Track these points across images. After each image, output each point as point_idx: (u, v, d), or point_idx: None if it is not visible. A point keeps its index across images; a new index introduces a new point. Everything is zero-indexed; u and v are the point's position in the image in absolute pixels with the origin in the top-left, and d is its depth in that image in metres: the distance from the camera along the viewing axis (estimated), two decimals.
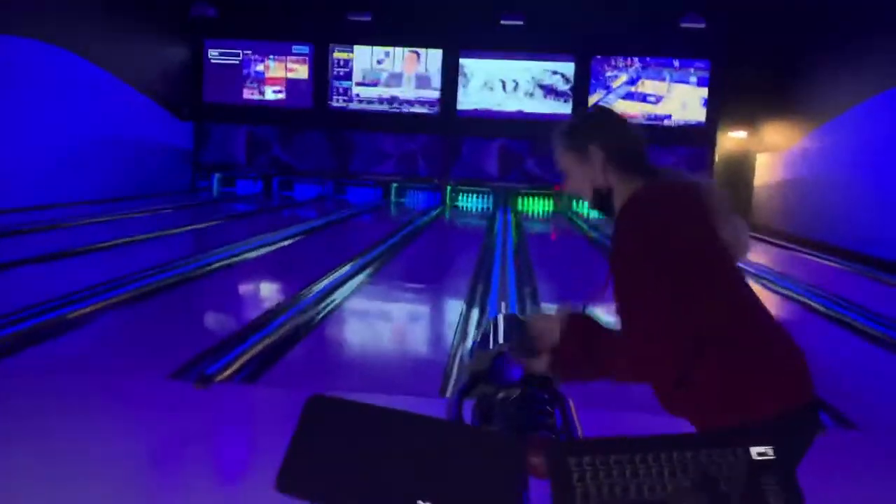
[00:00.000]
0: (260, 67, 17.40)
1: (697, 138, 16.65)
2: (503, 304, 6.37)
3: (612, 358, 1.69)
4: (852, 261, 10.57)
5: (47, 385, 3.73)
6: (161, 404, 3.59)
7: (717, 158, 16.81)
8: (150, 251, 8.57)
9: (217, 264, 7.66)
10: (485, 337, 2.70)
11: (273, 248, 9.27)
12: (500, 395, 2.45)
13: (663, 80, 16.78)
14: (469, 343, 5.06)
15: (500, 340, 2.59)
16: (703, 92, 16.62)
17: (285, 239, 10.02)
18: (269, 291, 7.16)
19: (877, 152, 11.13)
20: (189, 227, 10.95)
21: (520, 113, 17.01)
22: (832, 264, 10.20)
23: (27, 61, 11.20)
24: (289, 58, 17.34)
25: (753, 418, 1.48)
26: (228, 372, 4.08)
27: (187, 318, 5.63)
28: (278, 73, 17.38)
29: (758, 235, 11.96)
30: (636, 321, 1.56)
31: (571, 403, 2.29)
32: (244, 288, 7.27)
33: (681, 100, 16.72)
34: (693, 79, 16.67)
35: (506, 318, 2.88)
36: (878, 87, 11.08)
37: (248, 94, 17.49)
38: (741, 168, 16.89)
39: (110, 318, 5.36)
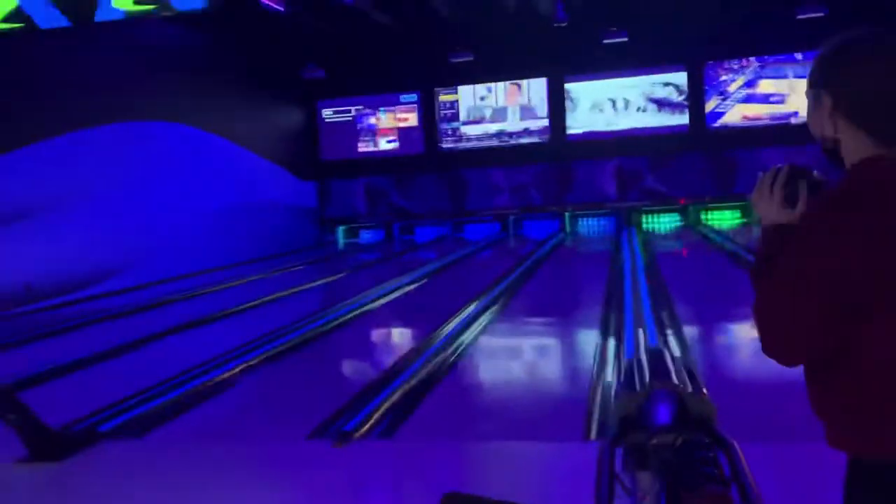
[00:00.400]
0: (372, 120, 17.95)
1: None
2: (640, 331, 6.03)
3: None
4: None
5: (193, 455, 3.82)
6: (302, 466, 3.58)
7: None
8: (283, 309, 8.86)
9: (347, 316, 7.79)
10: (629, 376, 2.50)
11: (399, 293, 9.35)
12: (654, 441, 2.24)
13: (786, 76, 15.82)
14: (608, 379, 4.79)
15: (647, 379, 2.38)
16: None
17: (411, 283, 10.09)
18: (399, 339, 7.18)
19: None
20: (318, 282, 11.29)
21: (633, 130, 16.52)
22: None
23: (157, 140, 12.10)
24: (398, 108, 17.80)
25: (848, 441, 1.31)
26: (366, 427, 4.04)
27: (322, 374, 5.70)
28: (389, 124, 17.87)
29: None
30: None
31: (738, 447, 2.04)
32: (375, 338, 7.33)
33: (804, 95, 15.65)
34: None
35: (650, 355, 2.67)
36: None
37: (363, 147, 18.06)
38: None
39: (249, 380, 5.50)
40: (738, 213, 16.39)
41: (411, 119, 17.73)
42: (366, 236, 18.24)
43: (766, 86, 15.94)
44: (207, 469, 3.62)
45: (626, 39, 14.94)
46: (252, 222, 14.76)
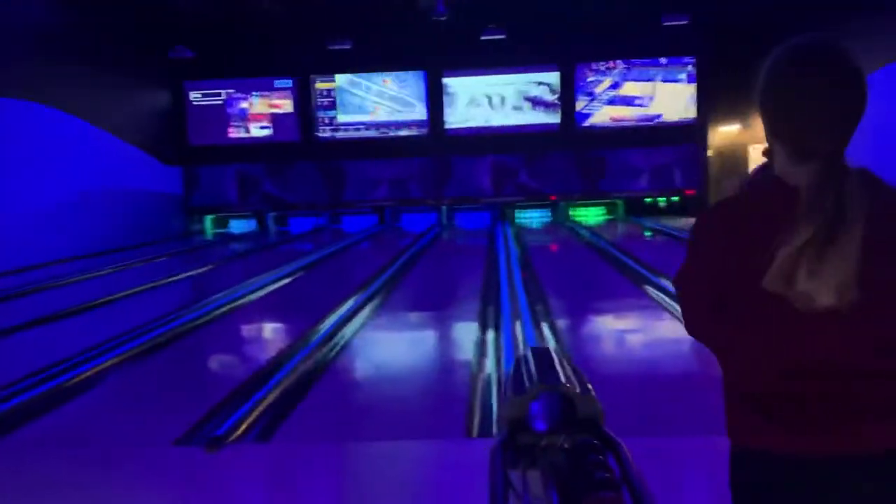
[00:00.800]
0: (244, 105, 17.26)
1: (689, 135, 16.51)
2: (517, 324, 6.13)
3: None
4: None
5: (43, 463, 3.49)
6: (169, 473, 3.35)
7: (710, 153, 16.67)
8: (146, 304, 8.33)
9: (218, 311, 7.43)
10: (517, 377, 2.48)
11: (274, 287, 9.04)
12: (544, 442, 2.23)
13: (650, 80, 16.67)
14: (488, 373, 4.82)
15: (535, 379, 2.37)
16: (692, 89, 16.51)
17: (285, 277, 9.79)
18: (274, 335, 6.92)
19: (868, 132, 10.97)
20: (185, 275, 10.71)
21: (508, 127, 16.87)
22: None
23: (9, 121, 11.04)
24: (272, 93, 17.21)
25: (738, 429, 1.42)
26: (240, 430, 3.84)
27: (192, 373, 5.38)
28: (262, 109, 17.25)
29: None
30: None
31: (625, 448, 2.06)
32: (248, 334, 7.03)
33: (670, 98, 16.60)
34: (681, 76, 16.56)
35: (536, 354, 2.66)
36: (868, 69, 10.96)
37: (234, 132, 17.34)
38: (735, 161, 16.74)
39: (111, 380, 5.11)
40: (603, 210, 17.17)
41: (286, 105, 17.20)
42: (237, 226, 17.56)
43: (631, 88, 16.72)
44: (64, 475, 3.30)
45: (504, 37, 15.19)
46: (112, 210, 13.81)
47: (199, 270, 11.29)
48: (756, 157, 16.24)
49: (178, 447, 3.62)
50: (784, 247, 1.22)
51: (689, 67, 16.46)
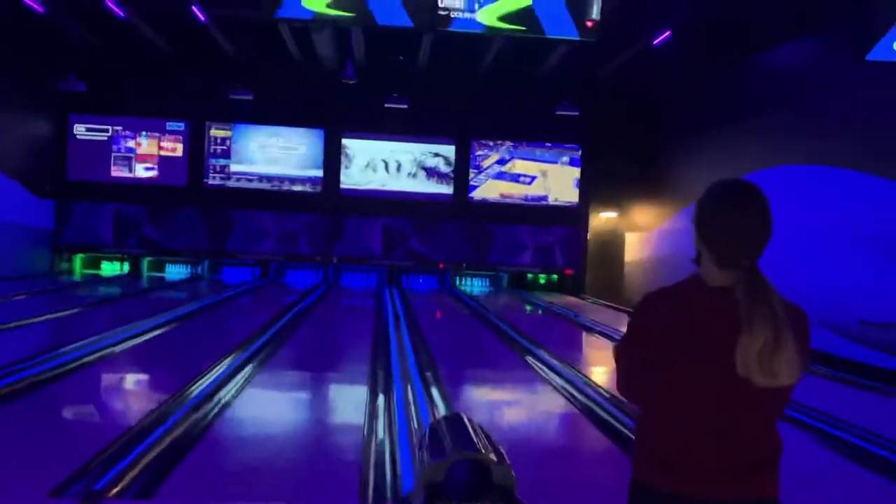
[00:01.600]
0: (131, 144, 16.62)
1: (571, 218, 17.39)
2: (409, 387, 6.14)
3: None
4: None
5: None
6: None
7: (590, 237, 17.59)
8: (4, 345, 7.69)
9: (86, 359, 6.96)
10: (434, 441, 2.51)
11: (148, 336, 8.58)
12: None
13: (535, 160, 17.49)
14: (380, 437, 4.78)
15: (452, 446, 2.41)
16: (576, 174, 17.47)
17: (160, 326, 9.32)
18: (147, 390, 6.54)
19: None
20: (49, 316, 9.99)
21: (403, 193, 17.14)
22: None
23: None
24: (163, 135, 16.70)
25: (646, 469, 1.79)
26: (118, 488, 3.60)
27: (55, 427, 4.99)
28: (151, 150, 16.67)
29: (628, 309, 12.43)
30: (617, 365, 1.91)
31: None
32: (119, 386, 6.62)
33: (556, 181, 17.47)
34: (565, 160, 17.49)
35: (450, 421, 2.70)
36: (734, 173, 12.04)
37: (117, 171, 16.60)
38: (612, 246, 17.77)
39: None
40: (487, 281, 17.63)
41: (176, 149, 16.71)
42: (109, 268, 16.63)
43: (519, 167, 17.49)
44: None
45: (406, 107, 15.59)
46: None
47: (64, 313, 10.56)
48: (630, 242, 17.34)
49: (52, 500, 3.35)
50: (748, 343, 1.61)
51: (575, 154, 17.46)
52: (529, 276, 17.65)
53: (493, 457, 2.33)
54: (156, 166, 16.64)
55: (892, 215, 8.38)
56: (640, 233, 16.79)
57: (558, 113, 15.82)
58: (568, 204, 17.46)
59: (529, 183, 17.44)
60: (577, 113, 15.79)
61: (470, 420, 2.70)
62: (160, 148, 16.67)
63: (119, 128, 16.55)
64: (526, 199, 17.42)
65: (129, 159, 16.59)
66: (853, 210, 9.08)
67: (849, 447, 5.19)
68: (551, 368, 7.51)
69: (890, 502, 4.19)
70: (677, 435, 1.72)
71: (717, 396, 1.67)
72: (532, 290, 17.34)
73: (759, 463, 1.71)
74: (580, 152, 17.40)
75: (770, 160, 10.93)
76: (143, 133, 16.62)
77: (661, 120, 15.45)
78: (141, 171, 16.63)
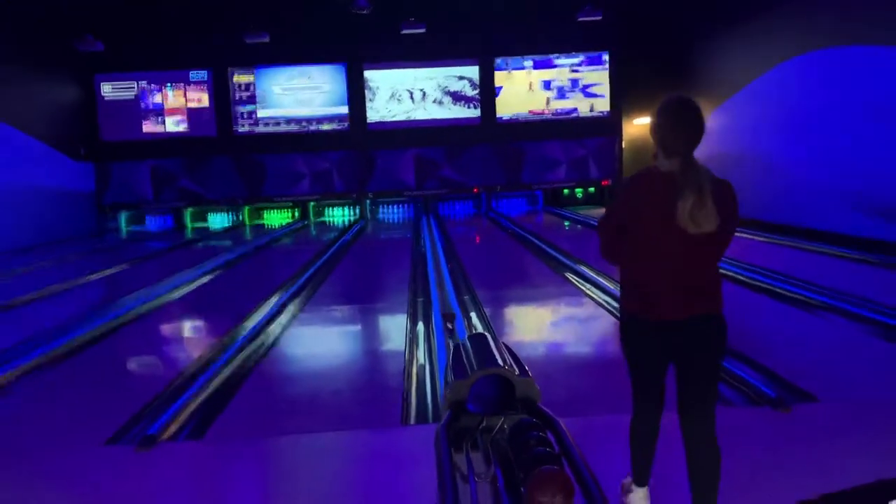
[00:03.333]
0: (158, 98, 16.72)
1: (604, 128, 17.01)
2: (447, 316, 6.22)
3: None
4: (760, 229, 10.99)
5: None
6: (102, 474, 3.28)
7: (624, 145, 17.23)
8: (61, 305, 8.01)
9: (138, 310, 7.22)
10: (457, 362, 2.56)
11: (195, 284, 8.84)
12: (484, 424, 2.32)
13: (565, 74, 17.06)
14: (421, 362, 4.90)
15: (475, 364, 2.46)
16: (606, 83, 16.99)
17: (206, 274, 9.59)
18: (198, 335, 6.78)
19: (773, 123, 11.63)
20: (99, 274, 10.33)
21: (430, 121, 16.96)
22: (746, 236, 10.55)
23: None
24: (188, 86, 16.74)
25: (627, 307, 2.55)
26: (172, 429, 3.78)
27: (115, 376, 5.23)
28: (178, 103, 16.76)
29: None
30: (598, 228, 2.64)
31: (563, 424, 2.17)
32: (170, 334, 6.86)
33: (584, 92, 17.04)
34: (594, 70, 17.02)
35: (474, 340, 2.75)
36: (770, 63, 11.57)
37: (149, 127, 16.77)
38: (649, 152, 17.33)
39: (28, 385, 4.91)
40: (523, 201, 17.52)
41: (202, 99, 16.77)
42: (154, 223, 17.01)
43: (544, 79, 17.06)
44: None
45: (423, 31, 15.24)
46: (19, 208, 13.15)
47: (116, 269, 10.91)
48: None
49: (109, 447, 3.54)
50: (682, 204, 2.33)
51: (604, 61, 16.95)
52: (565, 191, 17.47)
53: (515, 371, 2.38)
54: (185, 119, 16.75)
55: None
56: None
57: (580, 19, 15.27)
58: (599, 114, 17.06)
59: (561, 98, 17.05)
60: (599, 17, 15.20)
61: (494, 338, 2.75)
62: (187, 99, 16.74)
63: (144, 83, 16.63)
64: (556, 113, 17.08)
65: (159, 113, 16.73)
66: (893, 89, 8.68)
67: None
68: (591, 283, 7.51)
69: None
70: (645, 276, 2.46)
71: (667, 244, 2.39)
72: (569, 205, 17.19)
73: (702, 289, 2.43)
74: (608, 58, 16.88)
75: (806, 45, 10.44)
76: (169, 85, 16.69)
77: (690, 14, 14.79)
78: (171, 125, 16.77)
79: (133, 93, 16.65)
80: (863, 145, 9.35)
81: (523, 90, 17.04)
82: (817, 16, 10.23)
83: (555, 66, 17.01)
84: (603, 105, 17.04)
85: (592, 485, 1.81)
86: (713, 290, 2.45)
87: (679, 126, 2.39)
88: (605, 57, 16.89)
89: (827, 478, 2.90)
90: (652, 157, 2.50)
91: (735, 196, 2.43)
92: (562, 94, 17.07)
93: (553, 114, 17.08)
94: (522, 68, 17.02)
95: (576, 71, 17.02)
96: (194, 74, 16.68)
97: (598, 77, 17.01)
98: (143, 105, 16.70)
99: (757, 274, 7.55)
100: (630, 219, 2.43)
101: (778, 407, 3.65)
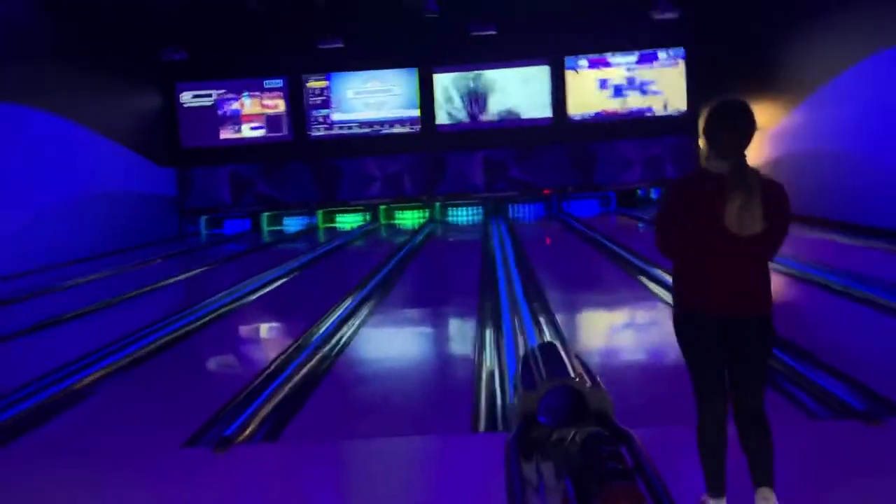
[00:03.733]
0: (235, 106, 17.26)
1: (681, 127, 16.58)
2: (516, 319, 6.17)
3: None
4: (851, 233, 10.47)
5: (49, 471, 3.51)
6: (180, 476, 3.38)
7: (700, 144, 16.74)
8: (143, 307, 8.34)
9: (216, 313, 7.44)
10: (527, 372, 2.52)
11: (271, 287, 9.06)
12: (555, 436, 2.28)
13: (642, 71, 16.72)
14: (490, 368, 4.86)
15: (545, 375, 2.42)
16: (683, 81, 16.57)
17: (282, 276, 9.81)
18: (274, 336, 6.94)
19: (860, 121, 11.06)
20: (181, 276, 10.72)
21: (500, 122, 16.91)
22: (831, 238, 10.07)
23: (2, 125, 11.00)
24: (264, 93, 17.21)
25: (680, 302, 2.58)
26: (248, 431, 3.87)
27: (193, 377, 5.40)
28: (254, 110, 17.25)
29: None
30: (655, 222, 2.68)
31: (637, 438, 2.11)
32: (247, 336, 7.05)
33: (661, 90, 16.66)
34: (671, 68, 16.62)
35: (544, 349, 2.71)
36: (852, 59, 11.01)
37: (226, 133, 17.33)
38: None
39: (111, 386, 5.12)
40: (596, 202, 17.23)
41: (278, 105, 17.21)
42: (231, 226, 17.55)
43: (621, 80, 16.76)
44: (73, 485, 3.32)
45: (493, 32, 15.21)
46: (105, 213, 13.78)
47: (196, 272, 11.29)
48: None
49: (186, 449, 3.65)
50: (729, 206, 2.37)
51: (680, 59, 16.53)
52: (639, 191, 17.10)
53: (586, 383, 2.32)
54: (262, 125, 17.23)
55: None
56: (757, 133, 15.78)
57: (655, 17, 14.92)
58: (676, 113, 16.65)
59: (636, 96, 16.71)
60: (675, 15, 14.82)
61: (564, 347, 2.69)
62: (263, 106, 17.21)
63: (222, 91, 17.19)
64: (629, 112, 16.75)
65: (236, 120, 17.25)
66: None
67: None
68: (665, 286, 7.31)
69: None
70: (698, 273, 2.50)
71: (716, 245, 2.43)
72: (644, 205, 16.82)
73: (750, 290, 2.48)
74: (685, 56, 16.45)
75: (891, 41, 9.89)
76: (245, 93, 17.19)
77: (767, 10, 14.25)
78: (248, 131, 17.27)
79: (211, 101, 17.22)
80: None
81: (594, 89, 16.78)
82: None
83: (628, 64, 16.69)
84: (679, 103, 16.62)
85: (667, 502, 1.74)
86: (762, 290, 2.49)
87: (730, 128, 2.43)
88: (682, 54, 16.46)
89: None
90: (704, 158, 2.55)
91: (786, 197, 2.47)
92: (635, 91, 16.73)
93: (627, 113, 16.76)
94: (594, 66, 16.77)
95: (649, 68, 16.66)
96: (269, 82, 17.14)
97: (674, 75, 16.60)
98: (220, 112, 17.25)
99: (846, 279, 7.18)
100: (681, 218, 2.49)
101: (868, 420, 3.45)
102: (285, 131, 17.20)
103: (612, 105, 16.77)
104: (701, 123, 2.53)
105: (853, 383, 4.07)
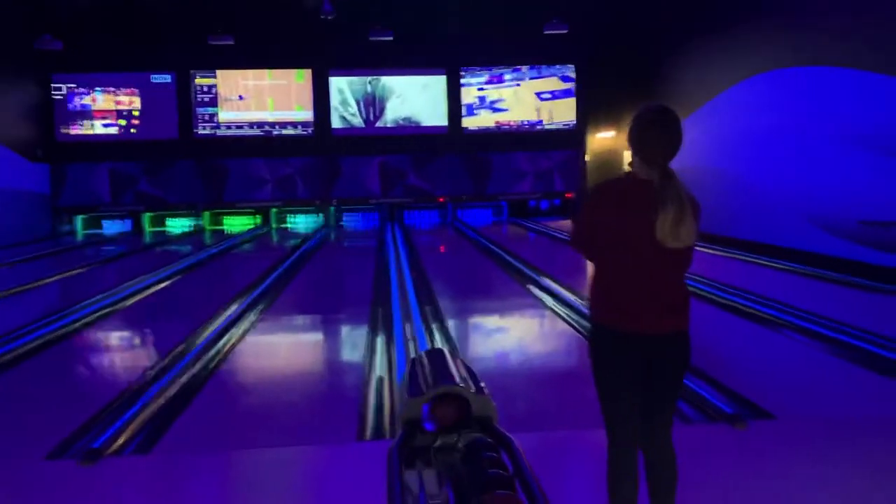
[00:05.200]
0: (120, 99, 16.38)
1: (569, 141, 17.14)
2: (407, 326, 6.16)
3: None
4: (723, 245, 11.14)
5: None
6: (41, 490, 3.13)
7: (588, 158, 17.38)
8: (10, 310, 7.74)
9: (91, 317, 7.01)
10: (413, 378, 2.49)
11: (152, 290, 8.63)
12: (438, 443, 2.26)
13: (528, 84, 17.15)
14: (380, 375, 4.81)
15: (430, 381, 2.39)
16: (571, 95, 17.13)
17: (164, 280, 9.37)
18: (152, 343, 6.60)
19: (735, 139, 11.81)
20: (53, 278, 10.04)
21: (397, 129, 16.90)
22: (707, 251, 10.68)
23: None
24: (149, 88, 16.43)
25: (598, 314, 2.44)
26: (119, 442, 3.64)
27: (64, 384, 5.05)
28: (138, 105, 16.43)
29: None
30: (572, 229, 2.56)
31: (518, 444, 2.12)
32: (126, 341, 6.67)
33: (551, 105, 17.16)
34: (560, 84, 17.15)
35: (431, 355, 2.68)
36: (731, 80, 11.76)
37: (107, 128, 16.41)
38: (612, 166, 17.53)
39: None
40: (489, 212, 17.55)
41: (164, 101, 16.46)
42: (110, 227, 16.63)
43: (512, 94, 17.15)
44: None
45: (391, 38, 15.20)
46: None
47: (70, 274, 10.61)
48: (630, 160, 17.09)
49: (49, 461, 3.39)
50: (662, 216, 2.26)
51: (570, 75, 17.09)
52: (530, 202, 17.56)
53: (471, 389, 2.32)
54: (146, 121, 16.43)
55: (892, 113, 8.18)
56: None
57: (546, 32, 15.38)
58: (565, 126, 17.19)
59: (526, 110, 17.13)
60: (565, 31, 15.32)
61: (451, 353, 2.68)
62: (147, 101, 16.43)
63: (103, 84, 16.29)
64: (522, 125, 17.16)
65: (118, 115, 16.37)
66: (853, 110, 8.86)
67: (850, 349, 5.20)
68: (554, 295, 7.51)
69: (886, 396, 4.20)
70: (617, 285, 2.37)
71: (641, 255, 2.32)
72: (534, 216, 17.27)
73: (674, 303, 2.37)
74: (574, 72, 17.02)
75: (770, 63, 10.62)
76: (129, 88, 16.36)
77: (656, 29, 14.99)
78: (130, 127, 16.42)
79: (92, 94, 16.27)
80: (820, 164, 9.53)
81: (490, 101, 17.08)
82: (783, 34, 10.42)
83: (520, 79, 17.10)
84: (568, 118, 17.17)
85: None
86: (683, 305, 2.39)
87: (658, 135, 2.32)
88: (571, 70, 17.03)
89: (779, 494, 2.90)
90: (628, 165, 2.43)
91: (699, 212, 2.40)
92: (527, 106, 17.15)
93: (519, 125, 17.15)
94: (488, 79, 17.07)
95: (541, 84, 17.12)
96: (156, 77, 16.38)
97: (563, 90, 17.13)
98: (102, 106, 16.33)
99: (719, 290, 7.62)
100: (603, 226, 2.35)
101: (735, 423, 3.65)
102: (171, 128, 16.46)
103: (506, 117, 17.12)
104: (628, 129, 2.40)
105: (721, 388, 4.30)
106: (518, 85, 17.08)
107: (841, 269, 8.67)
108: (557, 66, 17.01)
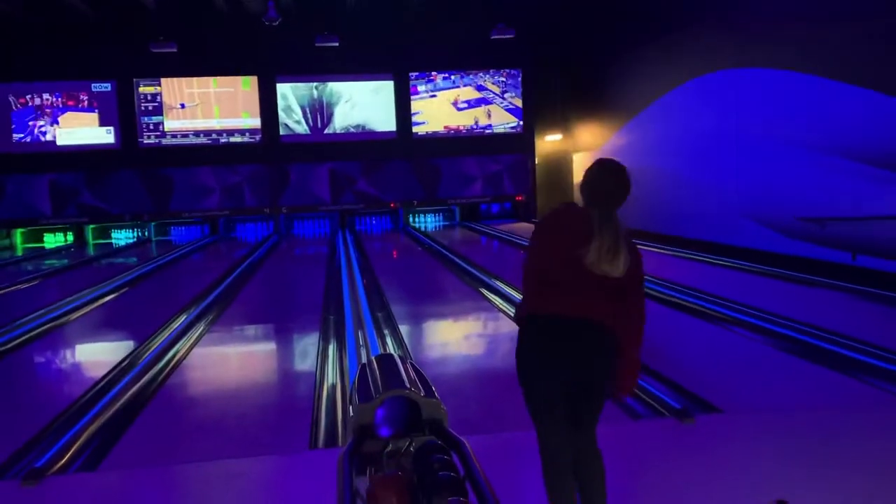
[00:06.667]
0: (60, 108, 15.91)
1: (517, 145, 17.30)
2: (360, 333, 6.14)
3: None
4: (667, 244, 11.39)
5: None
6: None
7: (537, 161, 17.57)
8: None
9: (33, 332, 6.79)
10: (362, 384, 2.49)
11: (97, 304, 8.41)
12: (389, 448, 2.26)
13: (475, 89, 17.27)
14: (332, 383, 4.79)
15: (380, 386, 2.40)
16: (518, 100, 17.31)
17: (108, 294, 9.14)
18: (97, 358, 6.43)
19: (677, 140, 12.10)
20: None
21: (345, 134, 16.82)
22: (653, 249, 10.91)
23: None
24: (89, 96, 16.01)
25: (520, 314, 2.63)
26: (63, 461, 3.54)
27: (3, 404, 4.88)
28: (78, 114, 15.99)
29: None
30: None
31: (468, 446, 2.14)
32: (67, 357, 6.48)
33: (497, 109, 17.30)
34: (507, 88, 17.30)
35: (381, 360, 2.69)
36: (673, 83, 12.04)
37: (46, 137, 15.93)
38: (560, 169, 17.79)
39: None
40: (440, 216, 17.61)
41: (106, 110, 16.07)
42: (52, 240, 16.14)
43: (461, 98, 17.24)
44: None
45: (336, 44, 15.13)
46: None
47: (10, 288, 10.25)
48: (578, 162, 17.38)
49: None
50: (593, 248, 2.41)
51: (516, 78, 17.26)
52: (481, 206, 17.67)
53: (421, 393, 2.33)
54: (86, 129, 16.00)
55: (826, 113, 8.50)
56: (587, 152, 16.81)
57: (493, 37, 15.52)
58: (512, 130, 17.35)
59: (475, 115, 17.24)
60: (512, 36, 15.49)
61: (402, 358, 2.69)
62: (88, 109, 16.00)
63: (44, 93, 15.80)
64: (470, 129, 17.26)
65: (58, 125, 15.91)
66: (789, 110, 9.17)
67: (793, 343, 5.37)
68: (506, 298, 7.57)
69: (827, 387, 4.36)
70: (545, 297, 2.53)
71: (571, 275, 2.46)
72: (485, 219, 17.38)
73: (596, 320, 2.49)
74: (521, 77, 17.20)
75: (710, 66, 10.92)
76: (69, 96, 15.90)
77: (601, 35, 15.26)
78: (72, 136, 15.98)
79: (30, 101, 15.77)
80: (759, 163, 9.84)
81: (437, 106, 17.14)
82: (722, 37, 10.71)
83: (468, 84, 17.19)
84: (516, 122, 17.34)
85: None
86: (606, 318, 2.48)
87: (612, 182, 2.50)
88: (517, 74, 17.20)
89: (726, 488, 2.98)
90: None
91: (641, 259, 2.51)
92: (476, 110, 17.25)
93: (468, 130, 17.25)
94: (436, 84, 17.13)
95: (489, 89, 17.25)
96: (97, 86, 15.98)
97: (512, 95, 17.30)
98: (40, 114, 15.85)
99: (664, 287, 7.79)
100: (545, 246, 2.52)
101: (682, 418, 3.74)
102: (114, 138, 16.06)
103: (454, 122, 17.19)
104: (583, 178, 2.58)
105: (669, 383, 4.40)
106: (434, 96, 17.14)
107: (780, 264, 8.95)
108: (504, 71, 17.15)
